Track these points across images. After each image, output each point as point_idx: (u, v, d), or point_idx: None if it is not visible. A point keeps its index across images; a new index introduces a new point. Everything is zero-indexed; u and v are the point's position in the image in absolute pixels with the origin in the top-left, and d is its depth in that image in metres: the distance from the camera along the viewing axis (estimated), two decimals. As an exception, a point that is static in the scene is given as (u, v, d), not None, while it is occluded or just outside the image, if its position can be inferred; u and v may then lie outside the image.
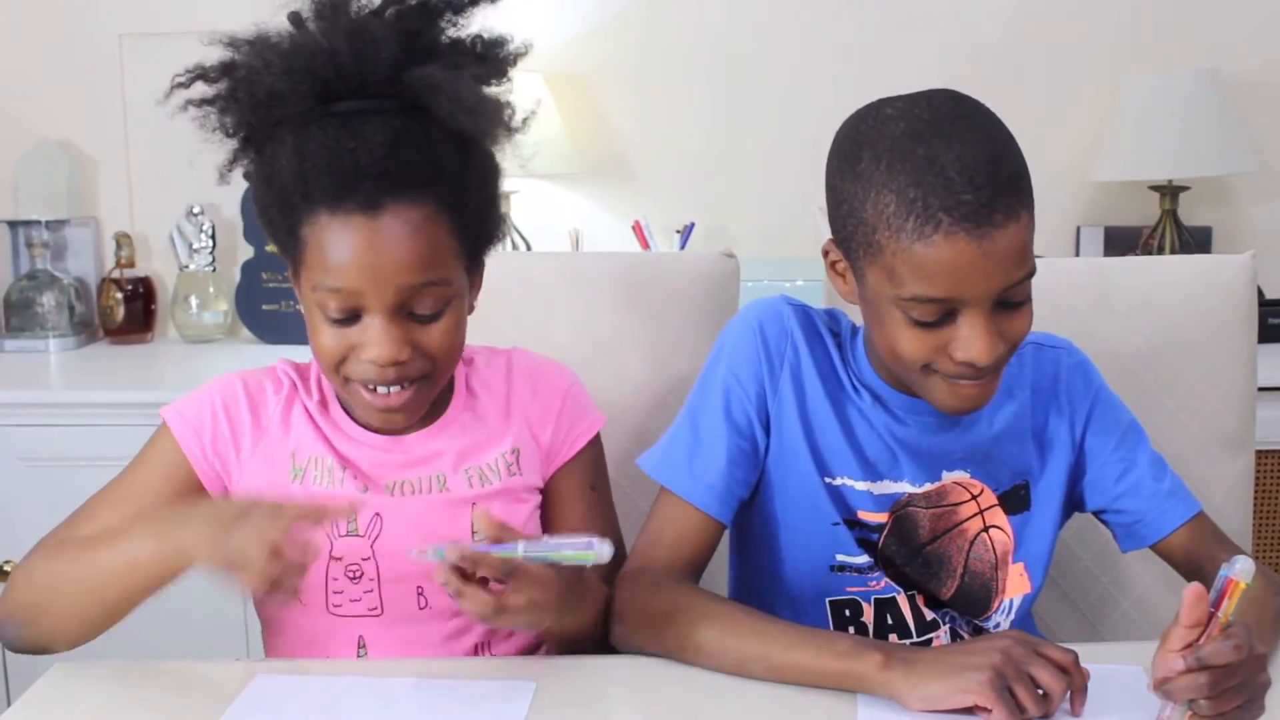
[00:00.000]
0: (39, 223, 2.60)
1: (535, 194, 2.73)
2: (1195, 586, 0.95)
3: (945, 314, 1.07)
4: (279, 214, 1.13)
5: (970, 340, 1.07)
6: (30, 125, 2.62)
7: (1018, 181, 1.06)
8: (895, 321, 1.10)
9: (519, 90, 2.70)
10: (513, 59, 1.19)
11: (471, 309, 1.19)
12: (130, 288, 2.63)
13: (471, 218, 1.15)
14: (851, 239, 1.11)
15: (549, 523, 1.28)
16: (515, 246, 2.64)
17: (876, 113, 1.10)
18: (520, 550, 1.02)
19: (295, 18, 1.15)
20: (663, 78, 2.71)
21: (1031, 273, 1.08)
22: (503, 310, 1.34)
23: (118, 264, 2.63)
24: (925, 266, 1.04)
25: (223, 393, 1.23)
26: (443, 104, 1.10)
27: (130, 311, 2.63)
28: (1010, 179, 1.05)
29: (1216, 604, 0.94)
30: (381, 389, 1.13)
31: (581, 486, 1.29)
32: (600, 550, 1.02)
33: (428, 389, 1.16)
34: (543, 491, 1.28)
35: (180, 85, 1.14)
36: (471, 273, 1.18)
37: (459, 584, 1.01)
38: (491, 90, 1.17)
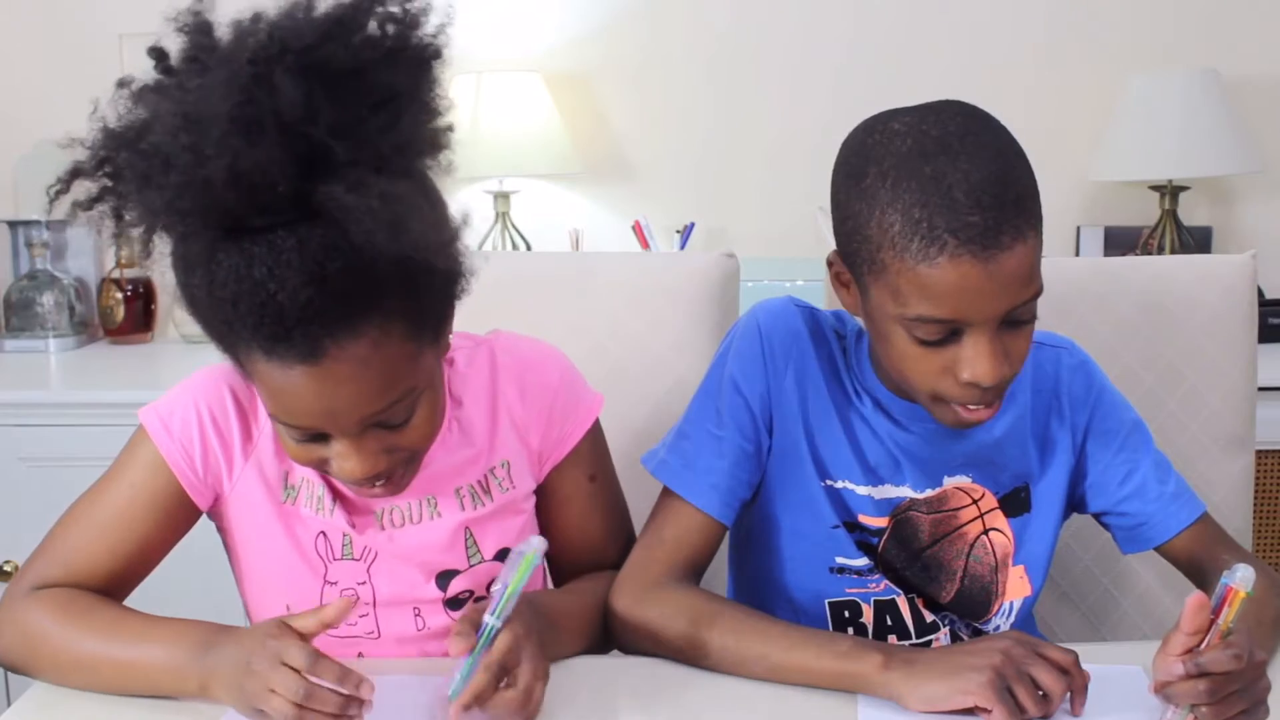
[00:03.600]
0: (39, 223, 2.60)
1: (535, 194, 2.73)
2: (1198, 595, 0.95)
3: (950, 334, 1.07)
4: (208, 331, 1.01)
5: (975, 360, 1.06)
6: (30, 125, 2.62)
7: (1026, 202, 1.04)
8: (899, 339, 1.09)
9: (516, 91, 2.67)
10: (440, 141, 1.00)
11: (447, 348, 1.11)
12: (130, 288, 2.63)
13: (428, 305, 1.03)
14: (856, 255, 1.10)
15: (549, 520, 1.24)
16: (515, 246, 2.64)
17: (884, 127, 1.08)
18: (490, 620, 1.00)
19: (172, 90, 0.96)
20: (663, 78, 2.71)
21: (1038, 292, 1.07)
22: (503, 310, 1.33)
23: (118, 264, 2.63)
24: (930, 288, 1.03)
25: (209, 401, 1.15)
26: (357, 231, 0.92)
27: (130, 311, 2.63)
28: (1018, 199, 1.03)
29: (1217, 611, 0.95)
30: (364, 487, 1.08)
31: (579, 481, 1.24)
32: (531, 545, 1.00)
33: (414, 468, 1.10)
34: (539, 490, 1.24)
35: (60, 192, 0.99)
36: (439, 340, 1.07)
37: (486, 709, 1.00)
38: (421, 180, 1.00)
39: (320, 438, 1.03)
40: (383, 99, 0.96)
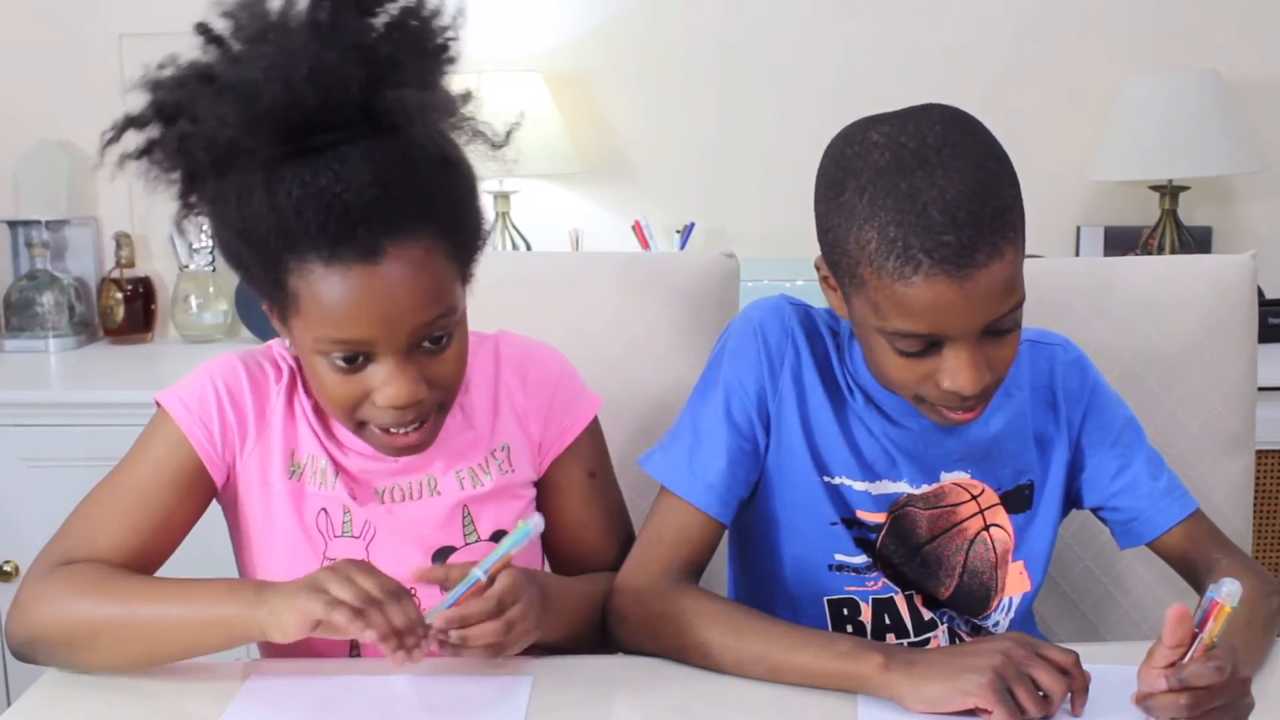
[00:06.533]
0: (39, 223, 2.60)
1: (535, 194, 2.73)
2: (1178, 607, 0.95)
3: (930, 345, 1.07)
4: (257, 264, 1.06)
5: (956, 371, 1.06)
6: (30, 125, 2.62)
7: (1004, 215, 1.04)
8: (882, 348, 1.10)
9: (515, 91, 2.69)
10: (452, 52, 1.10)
11: (465, 311, 1.15)
12: (130, 288, 2.63)
13: (465, 236, 1.10)
14: (837, 266, 1.10)
15: (550, 515, 1.23)
16: (515, 246, 2.64)
17: (862, 137, 1.07)
18: (479, 572, 1.02)
19: (232, 49, 1.04)
20: (663, 78, 2.71)
21: (1020, 302, 1.07)
22: (503, 310, 1.33)
23: (118, 264, 2.63)
24: (907, 305, 1.04)
25: (225, 378, 1.18)
26: (421, 130, 1.03)
27: (130, 311, 2.63)
28: (995, 215, 1.03)
29: (1201, 624, 0.94)
30: (399, 429, 1.10)
31: (578, 476, 1.26)
32: (532, 521, 1.03)
33: (443, 417, 1.14)
34: (540, 484, 1.26)
35: (111, 141, 1.05)
36: (466, 285, 1.14)
37: (460, 635, 1.01)
38: (469, 99, 1.10)
39: (364, 363, 1.06)
40: (422, 51, 1.07)
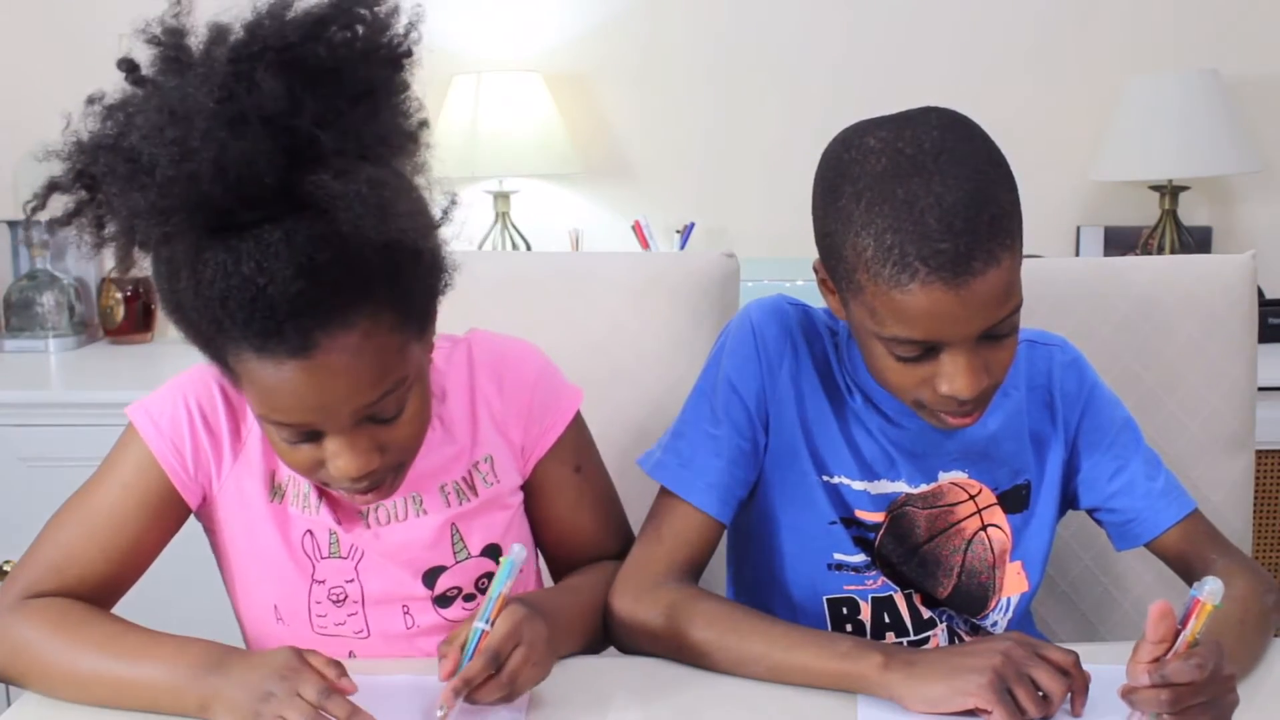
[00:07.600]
0: (39, 223, 2.60)
1: (535, 194, 2.73)
2: (1160, 604, 0.95)
3: (927, 350, 1.07)
4: (195, 337, 1.00)
5: (954, 376, 1.06)
6: (30, 125, 2.61)
7: (1001, 222, 1.03)
8: (880, 353, 1.10)
9: (516, 91, 2.67)
10: (418, 130, 1.02)
11: (431, 346, 1.10)
12: (130, 288, 2.63)
13: (415, 298, 1.03)
14: (834, 271, 1.10)
15: (540, 515, 1.25)
16: (515, 246, 2.64)
17: (860, 142, 1.07)
18: (480, 624, 1.01)
19: (149, 100, 0.96)
20: (663, 78, 2.71)
21: (1017, 307, 1.07)
22: (503, 310, 1.33)
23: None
24: (903, 312, 1.04)
25: (198, 398, 1.14)
26: (346, 218, 0.93)
27: (130, 311, 2.63)
28: (992, 221, 1.02)
29: (1184, 621, 0.95)
30: (356, 494, 1.08)
31: (565, 473, 1.23)
32: (513, 553, 1.01)
33: (402, 475, 1.10)
34: (526, 485, 1.23)
35: (37, 209, 1.00)
36: (424, 335, 1.07)
37: (469, 701, 1.00)
38: (417, 140, 1.01)
39: (313, 437, 1.03)
40: (361, 93, 0.97)
